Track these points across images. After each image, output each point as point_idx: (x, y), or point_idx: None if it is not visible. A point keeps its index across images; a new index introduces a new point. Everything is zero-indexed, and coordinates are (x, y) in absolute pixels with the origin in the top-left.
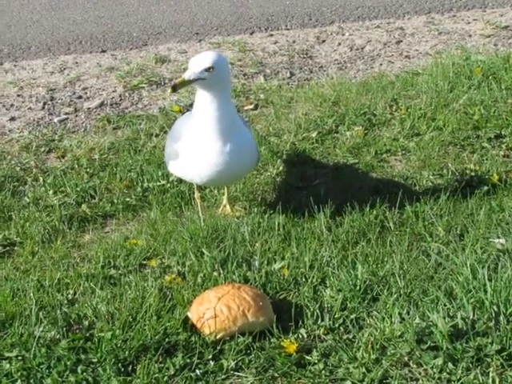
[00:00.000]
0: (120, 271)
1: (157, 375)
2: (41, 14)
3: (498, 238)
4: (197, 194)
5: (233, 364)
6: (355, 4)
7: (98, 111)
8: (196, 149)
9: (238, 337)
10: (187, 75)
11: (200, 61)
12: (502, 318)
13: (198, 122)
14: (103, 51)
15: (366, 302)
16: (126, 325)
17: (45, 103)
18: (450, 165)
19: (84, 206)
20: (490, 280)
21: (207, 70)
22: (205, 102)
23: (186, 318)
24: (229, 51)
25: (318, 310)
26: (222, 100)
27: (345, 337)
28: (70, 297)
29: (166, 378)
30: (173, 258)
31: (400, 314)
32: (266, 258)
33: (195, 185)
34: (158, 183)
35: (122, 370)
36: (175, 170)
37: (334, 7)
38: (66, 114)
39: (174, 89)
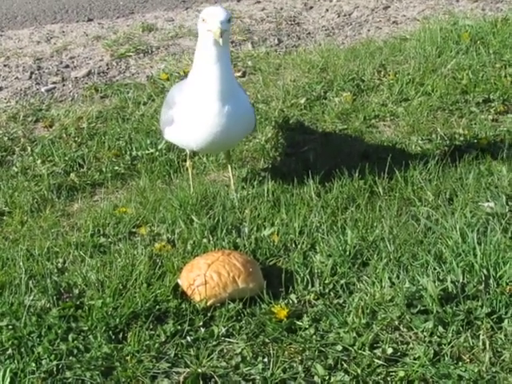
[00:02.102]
0: (109, 239)
1: (148, 342)
2: None
3: (487, 201)
4: (188, 163)
5: (223, 330)
6: None
7: (86, 80)
8: (193, 111)
9: (229, 303)
10: (222, 26)
11: (221, 12)
12: (491, 281)
13: (197, 84)
14: (90, 20)
15: (356, 266)
16: (117, 292)
17: (32, 73)
18: (438, 129)
19: (72, 175)
20: (479, 243)
21: (229, 21)
22: (209, 62)
23: (177, 285)
24: None
25: (308, 276)
26: (225, 59)
27: (335, 302)
28: (59, 265)
29: (156, 344)
30: (162, 225)
31: (390, 278)
32: (255, 225)
33: (188, 152)
34: (147, 151)
35: (113, 337)
36: (171, 136)
37: None
38: (54, 83)
39: (221, 42)
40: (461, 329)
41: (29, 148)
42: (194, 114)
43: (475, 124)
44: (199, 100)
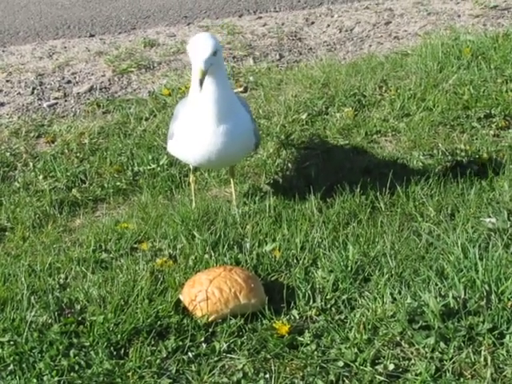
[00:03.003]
0: (111, 255)
1: (149, 358)
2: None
3: (489, 217)
4: (191, 178)
5: (225, 346)
6: None
7: (88, 96)
8: (190, 129)
9: (230, 319)
10: (203, 66)
11: (204, 47)
12: (493, 296)
13: (194, 103)
14: (92, 36)
15: (358, 282)
16: (118, 308)
17: (34, 88)
18: (440, 145)
19: (74, 191)
20: (481, 259)
21: (214, 54)
22: (205, 83)
23: (178, 301)
24: (218, 34)
25: (309, 291)
26: (221, 81)
27: (337, 317)
28: (61, 281)
29: (158, 360)
30: (164, 241)
31: (391, 294)
32: (257, 240)
33: (191, 167)
34: (149, 167)
35: (115, 353)
36: (171, 149)
37: None
38: (56, 98)
39: (201, 85)
40: (462, 345)
41: (31, 163)
42: (191, 132)
43: (477, 139)
44: (196, 118)
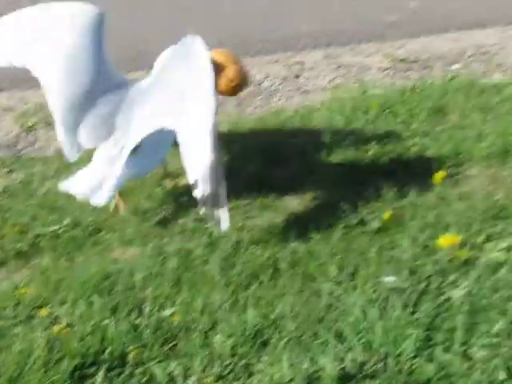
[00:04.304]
0: (8, 322)
1: None
2: None
3: (389, 276)
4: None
5: None
6: (254, 39)
7: None
8: None
9: None
10: None
11: None
12: (390, 359)
13: None
14: (0, 90)
15: (257, 346)
16: (12, 379)
17: None
18: (342, 202)
19: None
20: (379, 320)
21: None
22: None
23: (75, 369)
24: None
25: (207, 357)
26: None
27: None
28: None
29: None
30: (63, 306)
31: (289, 358)
32: (157, 305)
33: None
34: (51, 228)
35: None
36: None
37: (233, 42)
38: None
39: None
40: None
41: None
42: None
43: (380, 196)
44: None
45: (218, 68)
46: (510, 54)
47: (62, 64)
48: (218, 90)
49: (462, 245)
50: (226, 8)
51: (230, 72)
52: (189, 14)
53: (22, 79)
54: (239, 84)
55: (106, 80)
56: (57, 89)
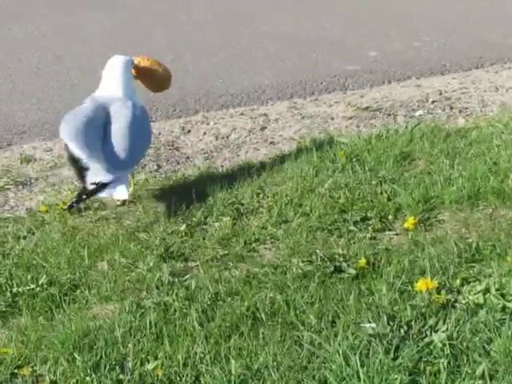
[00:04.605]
0: None
1: None
2: None
3: (369, 322)
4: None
5: None
6: (218, 92)
7: None
8: None
9: None
10: None
11: None
12: None
13: None
14: None
15: None
16: None
17: None
18: (318, 251)
19: None
20: (362, 366)
21: None
22: None
23: None
24: None
25: None
26: None
27: None
28: None
29: None
30: (45, 365)
31: None
32: (139, 359)
33: None
34: (28, 287)
35: None
36: None
37: (197, 97)
38: None
39: None
40: None
41: None
42: None
43: (354, 243)
44: None
45: (147, 70)
46: (472, 98)
47: None
48: (153, 89)
49: (440, 289)
50: (188, 62)
51: (159, 72)
52: None
53: None
54: (169, 80)
55: None
56: None
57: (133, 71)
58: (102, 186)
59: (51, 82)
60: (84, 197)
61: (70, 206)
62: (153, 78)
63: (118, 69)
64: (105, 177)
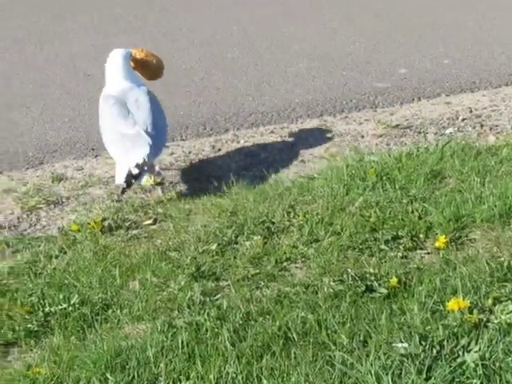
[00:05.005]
0: None
1: None
2: None
3: (401, 342)
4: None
5: None
6: (248, 111)
7: None
8: None
9: None
10: None
11: None
12: None
13: None
14: None
15: None
16: None
17: None
18: (349, 270)
19: None
20: None
21: None
22: None
23: None
24: None
25: None
26: None
27: None
28: None
29: None
30: None
31: None
32: (171, 379)
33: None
34: (60, 307)
35: None
36: None
37: (227, 115)
38: None
39: None
40: None
41: None
42: None
43: (385, 262)
44: None
45: (143, 61)
46: (503, 115)
47: None
48: (148, 78)
49: (472, 308)
50: (219, 80)
51: (153, 63)
52: (182, 87)
53: (20, 160)
54: (162, 69)
55: None
56: None
57: (131, 62)
58: (144, 170)
59: (82, 100)
60: (133, 181)
61: (123, 191)
62: (148, 68)
63: (121, 61)
64: (148, 160)
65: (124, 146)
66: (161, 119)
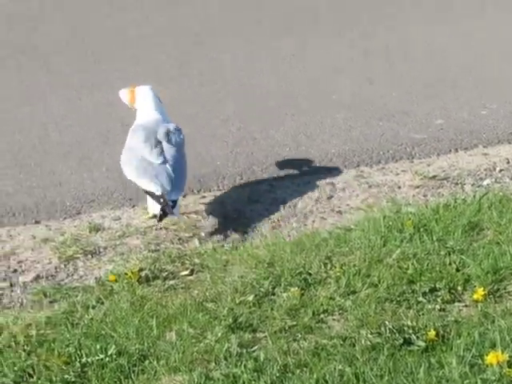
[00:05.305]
0: None
1: None
2: None
3: None
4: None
5: None
6: (285, 161)
7: (34, 285)
8: None
9: None
10: None
11: None
12: None
13: None
14: (37, 222)
15: None
16: None
17: None
18: (387, 322)
19: None
20: None
21: None
22: None
23: None
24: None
25: None
26: None
27: None
28: None
29: None
30: None
31: None
32: None
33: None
34: (97, 357)
35: None
36: None
37: (264, 166)
38: (1, 289)
39: None
40: None
41: None
42: None
43: (423, 315)
44: None
45: None
46: None
47: None
48: None
49: (511, 362)
50: (255, 131)
51: None
52: (219, 137)
53: (57, 209)
54: None
55: None
56: None
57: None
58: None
59: (120, 150)
60: (167, 211)
61: (160, 218)
62: None
63: (149, 95)
64: (174, 196)
65: (148, 172)
66: (184, 158)
